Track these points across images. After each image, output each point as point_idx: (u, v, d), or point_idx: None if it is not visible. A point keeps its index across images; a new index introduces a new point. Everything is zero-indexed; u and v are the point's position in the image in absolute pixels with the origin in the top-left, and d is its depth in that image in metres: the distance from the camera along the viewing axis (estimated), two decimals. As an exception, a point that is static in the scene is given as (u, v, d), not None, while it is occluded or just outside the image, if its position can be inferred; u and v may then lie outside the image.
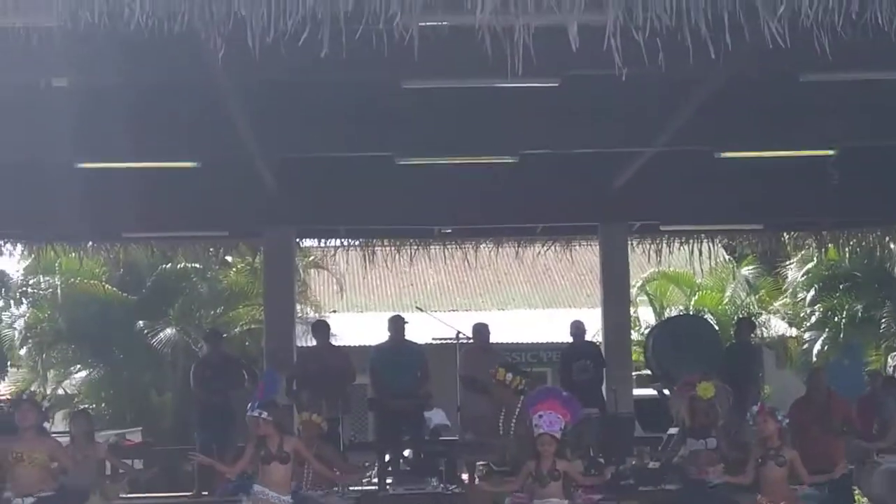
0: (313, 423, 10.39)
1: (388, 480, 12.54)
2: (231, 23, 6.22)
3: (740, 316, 20.75)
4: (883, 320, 22.44)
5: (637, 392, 15.72)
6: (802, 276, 24.00)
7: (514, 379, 10.17)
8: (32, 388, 21.39)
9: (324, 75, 9.18)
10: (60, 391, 22.52)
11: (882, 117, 11.43)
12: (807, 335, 24.03)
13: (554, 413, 9.21)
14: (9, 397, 14.93)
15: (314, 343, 14.21)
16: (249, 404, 9.29)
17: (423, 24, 6.41)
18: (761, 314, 24.50)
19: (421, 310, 19.23)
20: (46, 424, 11.05)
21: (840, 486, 10.87)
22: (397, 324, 13.82)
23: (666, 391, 13.26)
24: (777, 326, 24.95)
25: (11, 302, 24.23)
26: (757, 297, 25.59)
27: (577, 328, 14.75)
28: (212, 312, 22.41)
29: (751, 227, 17.28)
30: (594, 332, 16.85)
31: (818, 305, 23.66)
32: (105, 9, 6.12)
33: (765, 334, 23.34)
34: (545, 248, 18.30)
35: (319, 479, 10.19)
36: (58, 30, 6.53)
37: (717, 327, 18.55)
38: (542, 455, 9.00)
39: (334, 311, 25.57)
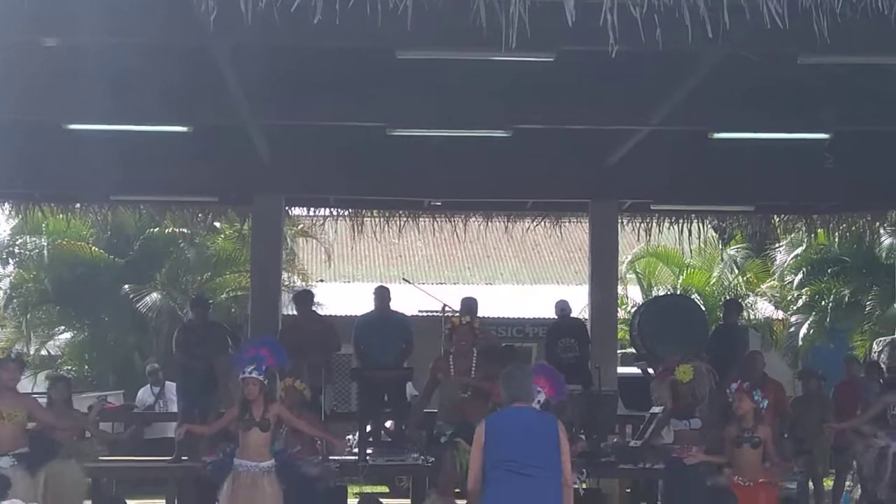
0: (296, 390, 10.37)
1: (369, 451, 12.51)
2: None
3: (727, 297, 20.69)
4: (868, 304, 22.45)
5: (621, 370, 15.69)
6: (791, 259, 23.98)
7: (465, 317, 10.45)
8: (16, 348, 21.34)
9: (317, 42, 9.07)
10: (44, 352, 22.43)
11: (878, 102, 11.37)
12: (793, 318, 24.00)
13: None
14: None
15: (296, 313, 14.14)
16: (239, 367, 9.24)
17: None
18: (748, 296, 24.48)
19: (408, 281, 19.16)
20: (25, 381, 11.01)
21: None
22: (382, 294, 13.74)
23: (650, 370, 13.25)
24: (764, 309, 24.94)
25: (-3, 262, 24.14)
26: (744, 278, 25.56)
27: (563, 309, 14.71)
28: (198, 278, 22.30)
29: (742, 209, 17.26)
30: (581, 308, 16.82)
31: (805, 289, 23.63)
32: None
33: (751, 316, 23.33)
34: (535, 223, 18.22)
35: (300, 447, 10.17)
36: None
37: (703, 308, 18.50)
38: None
39: (321, 281, 25.46)
